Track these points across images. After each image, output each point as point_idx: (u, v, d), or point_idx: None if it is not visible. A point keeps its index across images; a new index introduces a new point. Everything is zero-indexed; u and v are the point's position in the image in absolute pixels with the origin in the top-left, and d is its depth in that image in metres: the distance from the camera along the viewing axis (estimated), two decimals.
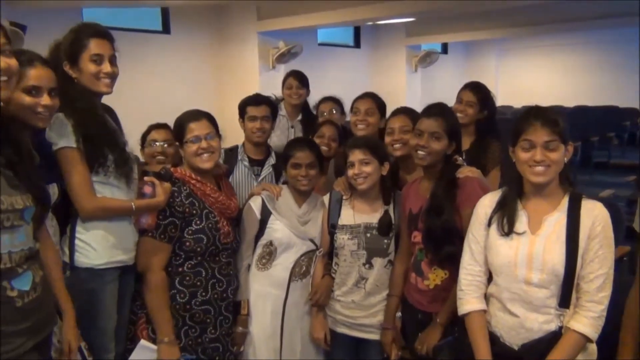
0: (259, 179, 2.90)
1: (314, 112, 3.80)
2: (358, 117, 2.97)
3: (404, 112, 2.66)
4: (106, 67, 2.10)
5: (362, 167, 2.37)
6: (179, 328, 2.26)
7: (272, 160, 2.97)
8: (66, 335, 1.87)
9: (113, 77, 2.14)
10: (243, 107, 2.93)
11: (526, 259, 1.83)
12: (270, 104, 2.97)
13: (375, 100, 3.04)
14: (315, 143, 2.71)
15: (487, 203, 1.98)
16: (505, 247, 1.87)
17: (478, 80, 3.33)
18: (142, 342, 2.22)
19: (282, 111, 3.98)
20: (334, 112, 3.60)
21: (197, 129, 2.27)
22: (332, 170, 3.00)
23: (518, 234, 1.86)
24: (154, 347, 2.21)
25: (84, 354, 1.99)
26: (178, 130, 2.33)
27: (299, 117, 4.00)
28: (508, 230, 1.87)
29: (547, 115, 1.81)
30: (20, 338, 1.56)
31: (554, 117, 1.81)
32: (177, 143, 2.37)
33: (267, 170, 2.93)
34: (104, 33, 2.13)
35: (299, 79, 4.01)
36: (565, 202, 1.84)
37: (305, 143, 2.61)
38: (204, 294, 2.30)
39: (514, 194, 1.91)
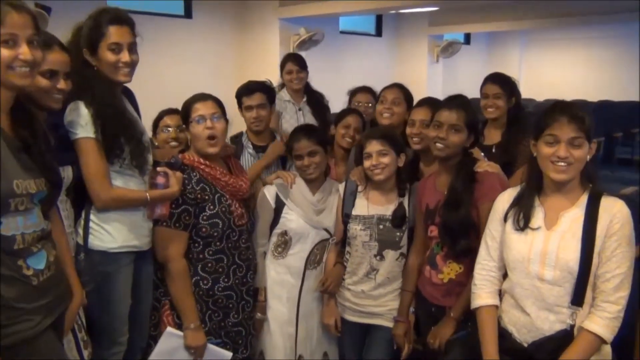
0: None
1: (348, 98, 3.71)
2: (384, 105, 2.95)
3: (428, 103, 2.62)
4: (124, 57, 2.07)
5: (379, 158, 2.35)
6: (203, 313, 2.28)
7: None
8: (69, 317, 1.87)
9: (132, 65, 2.11)
10: (239, 97, 2.93)
11: (540, 254, 1.80)
12: (264, 90, 2.93)
13: (402, 91, 3.02)
14: (313, 129, 2.68)
15: (506, 198, 1.96)
16: (520, 243, 1.85)
17: (497, 71, 3.28)
18: (169, 329, 2.24)
19: (287, 96, 3.94)
20: (370, 105, 3.51)
21: (202, 108, 2.25)
22: (353, 159, 2.98)
23: (533, 229, 1.83)
24: (181, 333, 2.23)
25: (80, 345, 2.00)
26: (184, 113, 2.31)
27: (305, 99, 3.95)
28: (523, 225, 1.85)
29: (575, 111, 1.77)
30: (38, 316, 1.58)
31: (581, 113, 1.77)
32: (183, 125, 2.36)
33: None
34: (123, 19, 2.09)
35: (298, 63, 3.93)
36: (584, 199, 1.80)
37: (301, 132, 2.58)
38: (226, 279, 2.31)
39: (532, 189, 1.88)
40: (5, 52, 1.49)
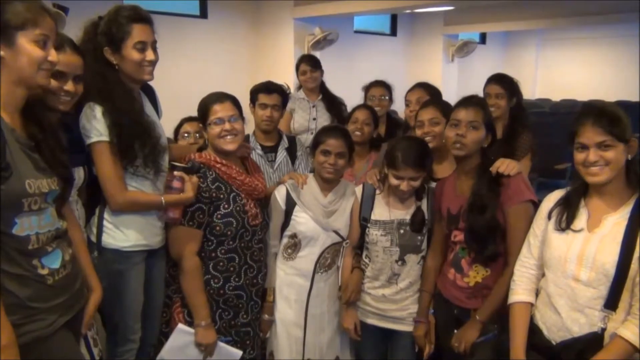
0: (275, 165, 2.93)
1: (363, 94, 3.78)
2: (410, 108, 2.96)
3: (433, 103, 2.64)
4: (149, 55, 2.08)
5: (411, 182, 2.30)
6: (213, 311, 2.29)
7: (285, 144, 2.99)
8: (87, 311, 1.89)
9: (155, 64, 2.12)
10: (255, 93, 2.93)
11: (578, 255, 1.79)
12: (281, 93, 2.96)
13: (426, 89, 3.04)
14: (348, 133, 2.63)
15: (553, 198, 1.95)
16: (559, 241, 1.84)
17: (502, 72, 3.39)
18: (180, 326, 2.25)
19: (302, 94, 4.09)
20: (386, 98, 3.59)
21: (220, 110, 2.25)
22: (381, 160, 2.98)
23: (574, 231, 1.82)
24: (192, 330, 2.24)
25: (89, 343, 2.01)
26: (202, 112, 2.31)
27: (320, 97, 4.07)
28: (565, 226, 1.83)
29: (600, 113, 1.74)
30: (53, 315, 1.60)
31: (608, 113, 1.73)
32: (201, 125, 2.36)
33: (281, 155, 2.96)
34: (146, 18, 2.09)
35: (311, 64, 4.08)
36: (631, 203, 1.77)
37: (338, 131, 2.54)
38: (237, 279, 2.32)
39: (579, 191, 1.87)
40: (39, 52, 1.55)
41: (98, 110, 2.00)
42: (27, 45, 1.53)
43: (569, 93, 10.97)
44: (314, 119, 4.01)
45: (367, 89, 3.72)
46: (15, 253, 1.52)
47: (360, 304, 2.52)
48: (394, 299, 2.43)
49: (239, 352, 2.34)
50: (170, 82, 5.43)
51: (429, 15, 8.95)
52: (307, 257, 2.49)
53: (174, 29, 6.34)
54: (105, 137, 2.00)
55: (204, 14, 6.98)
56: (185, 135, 2.99)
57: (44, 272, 1.58)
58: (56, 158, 1.66)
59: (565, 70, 11.85)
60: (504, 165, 2.15)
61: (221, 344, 2.29)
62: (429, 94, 3.04)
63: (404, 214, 2.41)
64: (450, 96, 2.90)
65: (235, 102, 2.32)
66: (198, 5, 6.96)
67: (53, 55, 1.58)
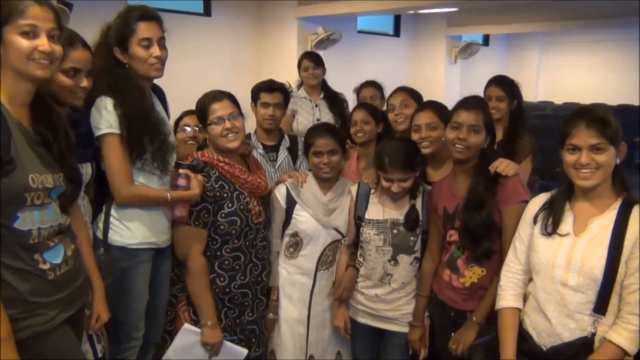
0: (277, 165, 2.92)
1: (356, 95, 3.79)
2: (395, 112, 2.94)
3: (430, 107, 2.58)
4: (155, 51, 2.09)
5: (401, 184, 2.30)
6: (219, 310, 2.30)
7: (286, 143, 2.98)
8: (97, 308, 1.92)
9: (163, 60, 2.12)
10: (256, 92, 2.93)
11: (565, 260, 1.78)
12: (283, 91, 2.96)
13: (407, 92, 3.00)
14: (335, 128, 2.64)
15: (538, 202, 1.94)
16: (546, 246, 1.83)
17: (503, 74, 3.39)
18: (186, 325, 2.25)
19: (303, 93, 4.06)
20: (375, 97, 3.60)
21: (219, 109, 2.25)
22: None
23: (561, 235, 1.81)
24: (198, 330, 2.24)
25: (93, 338, 2.02)
26: (201, 113, 2.30)
27: (322, 96, 4.05)
28: (551, 230, 1.83)
29: (593, 116, 1.73)
30: (53, 310, 1.59)
31: (602, 117, 1.73)
32: (200, 126, 2.36)
33: (282, 154, 2.95)
34: (152, 15, 2.11)
35: (314, 60, 4.06)
36: (616, 206, 1.76)
37: (325, 129, 2.55)
38: (242, 277, 2.32)
39: (564, 194, 1.86)
40: (25, 43, 1.52)
41: (109, 103, 2.01)
42: (12, 38, 1.51)
43: (571, 96, 10.96)
44: (318, 119, 4.00)
45: (358, 90, 3.73)
46: (17, 247, 1.52)
47: (353, 302, 2.52)
48: (387, 299, 2.43)
49: (244, 351, 2.34)
50: (172, 79, 5.41)
51: (433, 16, 8.95)
52: (309, 255, 2.51)
53: (177, 27, 6.25)
54: (115, 129, 2.01)
55: (207, 12, 6.98)
56: (185, 128, 2.93)
57: (45, 267, 1.57)
58: (65, 159, 1.66)
59: (568, 73, 11.85)
60: (502, 165, 2.15)
61: (227, 343, 2.30)
62: (411, 96, 2.98)
63: (398, 214, 2.40)
64: (453, 97, 2.88)
65: (232, 99, 2.32)
66: (202, 4, 6.96)
67: (44, 45, 1.54)
